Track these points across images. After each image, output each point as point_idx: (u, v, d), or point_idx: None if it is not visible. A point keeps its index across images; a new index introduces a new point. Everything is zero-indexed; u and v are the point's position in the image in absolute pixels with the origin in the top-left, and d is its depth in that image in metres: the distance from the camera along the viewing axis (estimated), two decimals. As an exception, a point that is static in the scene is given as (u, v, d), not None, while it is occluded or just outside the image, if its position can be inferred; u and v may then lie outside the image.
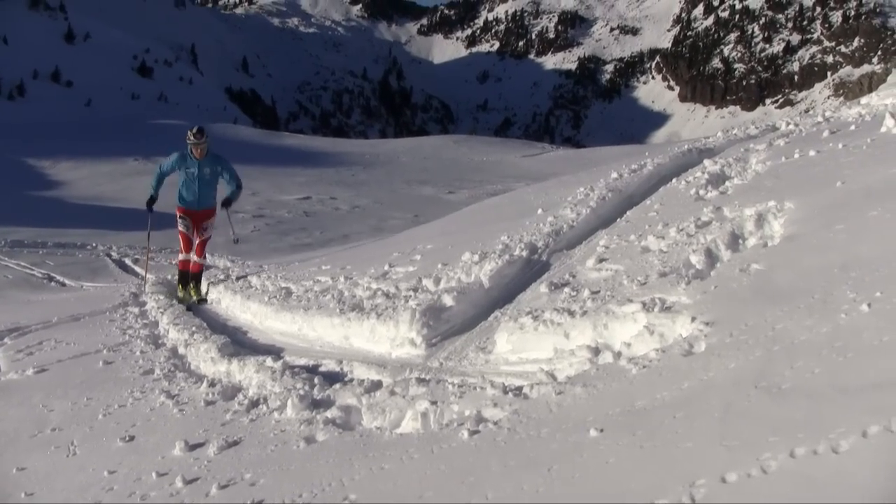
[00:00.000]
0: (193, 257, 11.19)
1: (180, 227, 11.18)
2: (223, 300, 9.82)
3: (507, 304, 6.01)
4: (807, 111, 15.95)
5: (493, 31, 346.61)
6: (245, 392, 5.56)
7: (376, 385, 5.03)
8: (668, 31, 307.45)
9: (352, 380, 5.43)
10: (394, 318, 6.04)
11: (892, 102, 10.17)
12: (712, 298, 4.43)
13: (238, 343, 7.29)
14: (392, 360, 5.71)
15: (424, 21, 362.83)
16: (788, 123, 11.38)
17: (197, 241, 11.22)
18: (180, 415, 5.40)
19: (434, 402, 4.27)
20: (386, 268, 7.85)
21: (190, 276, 11.24)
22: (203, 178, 11.01)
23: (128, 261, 18.12)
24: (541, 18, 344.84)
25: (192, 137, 10.76)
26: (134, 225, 20.75)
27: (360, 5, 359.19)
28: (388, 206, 28.49)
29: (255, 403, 5.24)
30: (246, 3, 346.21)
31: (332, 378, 5.56)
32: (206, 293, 11.06)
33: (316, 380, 5.40)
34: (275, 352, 6.66)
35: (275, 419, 4.86)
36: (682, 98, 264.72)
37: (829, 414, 2.78)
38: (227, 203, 11.44)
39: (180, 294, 11.25)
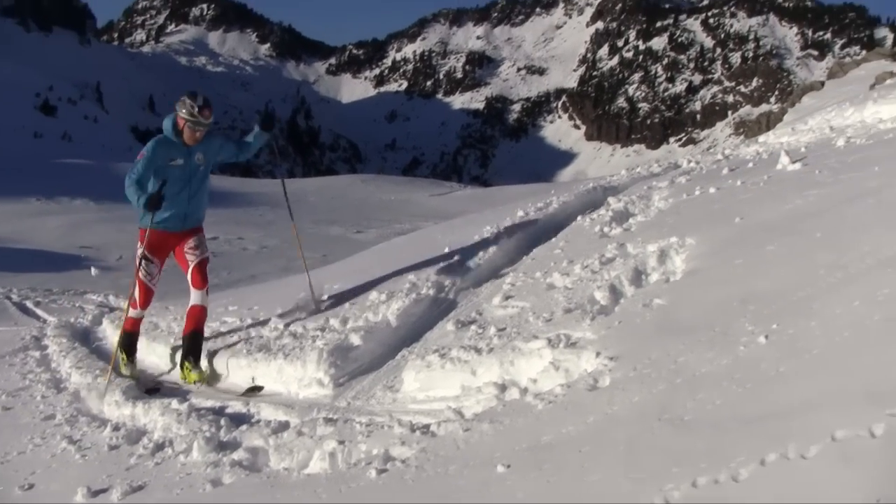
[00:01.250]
0: (197, 301, 7.27)
1: (141, 273, 7.27)
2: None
3: (414, 343, 6.05)
4: (708, 149, 16.47)
5: (402, 70, 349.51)
6: (150, 435, 5.50)
7: (283, 426, 5.04)
8: (574, 71, 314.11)
9: (259, 421, 5.40)
10: (301, 359, 6.03)
11: (787, 141, 10.58)
12: (616, 333, 4.54)
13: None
14: (300, 401, 5.70)
15: (333, 60, 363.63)
16: (690, 161, 11.74)
17: (192, 270, 7.29)
18: (83, 460, 5.30)
19: (342, 442, 4.29)
20: (293, 307, 7.81)
21: (189, 342, 7.16)
22: (195, 173, 7.25)
23: (29, 303, 17.58)
24: (449, 58, 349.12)
25: (193, 111, 6.98)
26: (35, 266, 20.17)
27: (269, 44, 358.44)
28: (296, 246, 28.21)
29: (160, 447, 5.19)
30: (153, 42, 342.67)
31: (239, 419, 5.52)
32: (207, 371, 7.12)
33: (222, 421, 5.37)
34: (180, 394, 6.56)
35: (181, 462, 4.81)
36: (589, 137, 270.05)
37: (729, 443, 2.89)
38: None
39: (126, 371, 7.47)
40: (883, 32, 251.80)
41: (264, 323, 7.54)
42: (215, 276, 22.64)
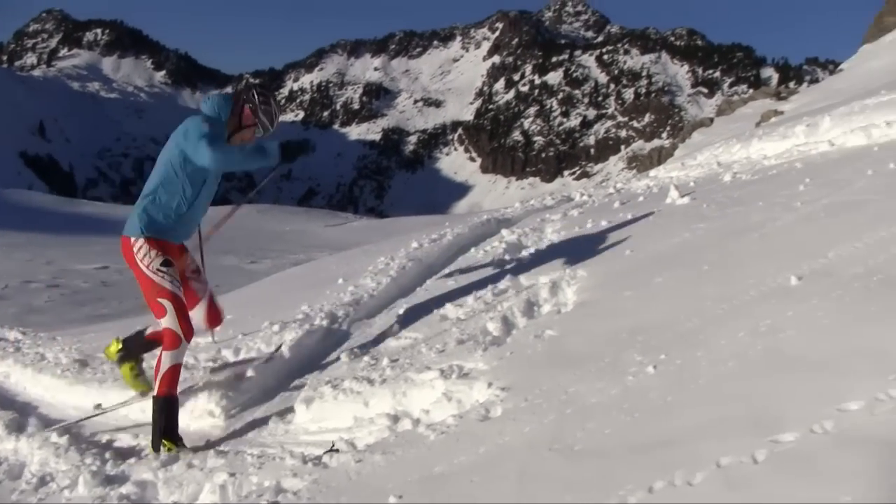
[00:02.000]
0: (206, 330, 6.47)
1: (168, 285, 5.52)
2: (12, 374, 9.28)
3: (307, 374, 6.01)
4: (601, 183, 16.85)
5: (299, 100, 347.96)
6: (33, 470, 5.31)
7: (173, 459, 4.94)
8: (471, 104, 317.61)
9: (147, 454, 5.27)
10: (192, 390, 5.93)
11: (676, 175, 10.88)
12: (508, 364, 4.59)
13: (28, 419, 6.91)
14: (191, 433, 5.59)
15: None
16: (583, 194, 11.98)
17: (208, 306, 6.12)
18: (-40, 499, 5.10)
19: (233, 474, 4.25)
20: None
21: (144, 341, 6.24)
22: (219, 177, 6.01)
23: None
24: (346, 89, 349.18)
25: (272, 117, 6.09)
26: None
27: (164, 71, 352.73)
28: (189, 277, 27.80)
29: (44, 482, 5.03)
30: (44, 65, 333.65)
31: (128, 453, 5.40)
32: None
33: (109, 454, 5.24)
34: (66, 427, 6.36)
35: (65, 497, 4.68)
36: (484, 169, 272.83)
37: (618, 472, 2.95)
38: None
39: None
40: (769, 72, 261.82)
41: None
42: (105, 305, 22.13)
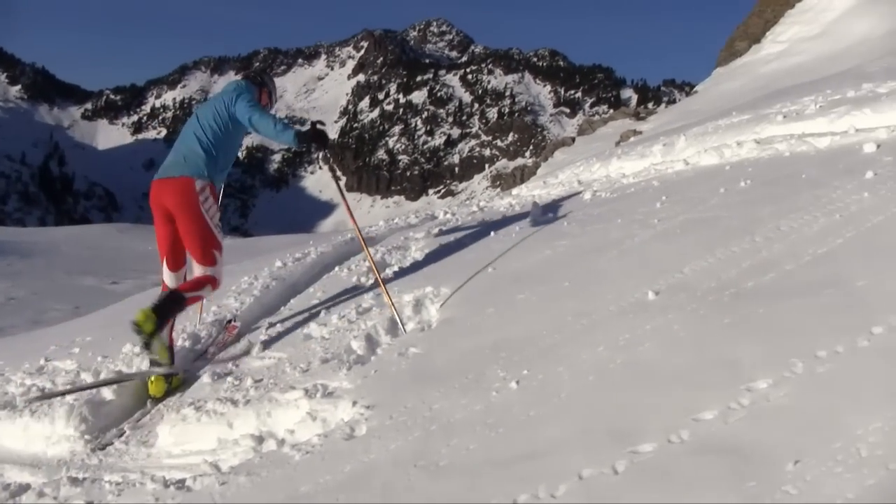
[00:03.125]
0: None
1: (221, 237, 6.50)
2: None
3: (169, 396, 5.87)
4: (466, 201, 17.02)
5: (161, 117, 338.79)
6: None
7: (24, 488, 4.74)
8: (336, 122, 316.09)
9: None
10: (49, 415, 5.69)
11: (538, 193, 11.08)
12: (373, 383, 4.60)
13: None
14: (47, 460, 5.37)
15: (89, 105, 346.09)
16: (447, 213, 12.07)
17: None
18: None
19: (90, 503, 4.10)
20: (42, 362, 7.39)
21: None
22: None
23: None
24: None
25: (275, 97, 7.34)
26: None
27: (20, 86, 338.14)
28: (47, 297, 26.75)
29: None
30: None
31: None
32: None
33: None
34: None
35: None
36: (349, 188, 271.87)
37: (483, 487, 2.99)
38: None
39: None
40: (628, 93, 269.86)
41: (9, 379, 7.10)
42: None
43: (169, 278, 6.46)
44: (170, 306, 5.98)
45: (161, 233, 6.47)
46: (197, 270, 6.31)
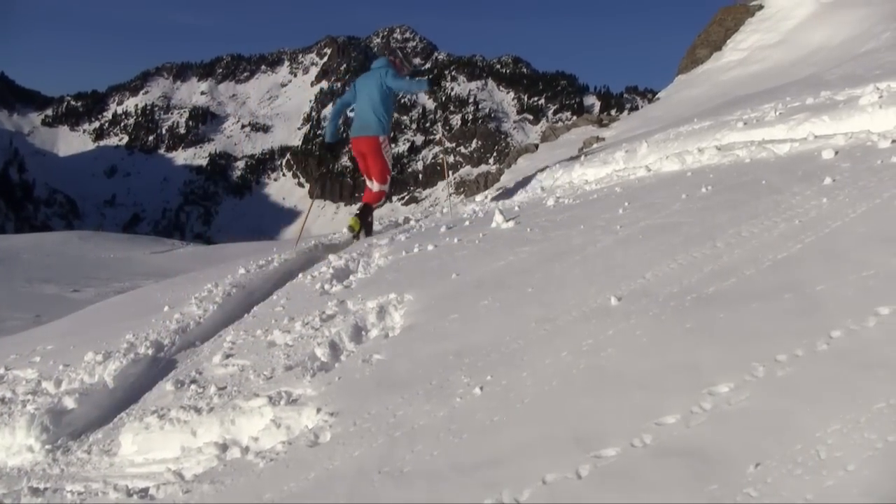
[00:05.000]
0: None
1: (391, 166, 11.49)
2: None
3: (132, 405, 5.81)
4: (429, 207, 17.04)
5: (123, 124, 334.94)
6: None
7: (-13, 498, 4.68)
8: (299, 129, 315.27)
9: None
10: (9, 425, 5.62)
11: (501, 200, 11.12)
12: (337, 389, 4.59)
13: None
14: (7, 470, 5.31)
15: (50, 112, 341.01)
16: (410, 219, 12.07)
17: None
18: None
19: (50, 513, 4.07)
20: (2, 371, 7.31)
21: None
22: None
23: None
24: (172, 113, 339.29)
25: (404, 60, 12.98)
26: None
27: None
28: (6, 306, 26.38)
29: None
30: None
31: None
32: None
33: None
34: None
35: None
36: (312, 195, 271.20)
37: (447, 492, 3.00)
38: None
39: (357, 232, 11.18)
40: (591, 100, 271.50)
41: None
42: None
43: (371, 184, 11.42)
44: (365, 212, 11.23)
45: (361, 166, 11.52)
46: (375, 188, 11.31)
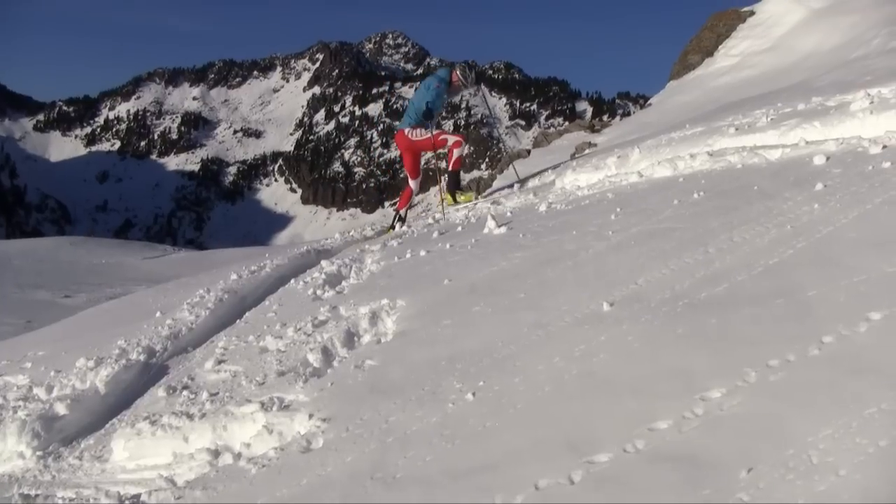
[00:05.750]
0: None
1: (446, 136, 12.76)
2: None
3: (124, 411, 5.80)
4: (422, 213, 17.04)
5: (115, 129, 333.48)
6: None
7: (-18, 506, 4.66)
8: (291, 134, 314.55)
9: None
10: (0, 431, 5.62)
11: (494, 205, 11.12)
12: (329, 395, 4.59)
13: None
14: (-2, 477, 5.30)
15: (41, 117, 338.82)
16: (402, 225, 12.08)
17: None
18: None
19: (42, 519, 4.06)
20: None
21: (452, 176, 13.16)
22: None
23: None
24: (164, 119, 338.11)
25: (462, 76, 12.75)
26: None
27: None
28: (-2, 311, 26.34)
29: None
30: None
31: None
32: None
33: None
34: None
35: None
36: (305, 200, 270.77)
37: (439, 498, 3.00)
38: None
39: (467, 196, 13.16)
40: (583, 106, 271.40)
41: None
42: None
43: (413, 183, 13.24)
44: (452, 179, 13.06)
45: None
46: (412, 184, 13.25)
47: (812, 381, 3.08)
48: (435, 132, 12.45)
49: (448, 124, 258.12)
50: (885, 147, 6.41)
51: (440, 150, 12.84)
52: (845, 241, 4.54)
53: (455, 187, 13.04)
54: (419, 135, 12.51)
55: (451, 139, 12.56)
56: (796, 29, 22.27)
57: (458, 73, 12.65)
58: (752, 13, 25.57)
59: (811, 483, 2.46)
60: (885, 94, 7.85)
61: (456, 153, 12.72)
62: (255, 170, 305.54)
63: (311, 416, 4.34)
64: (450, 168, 12.92)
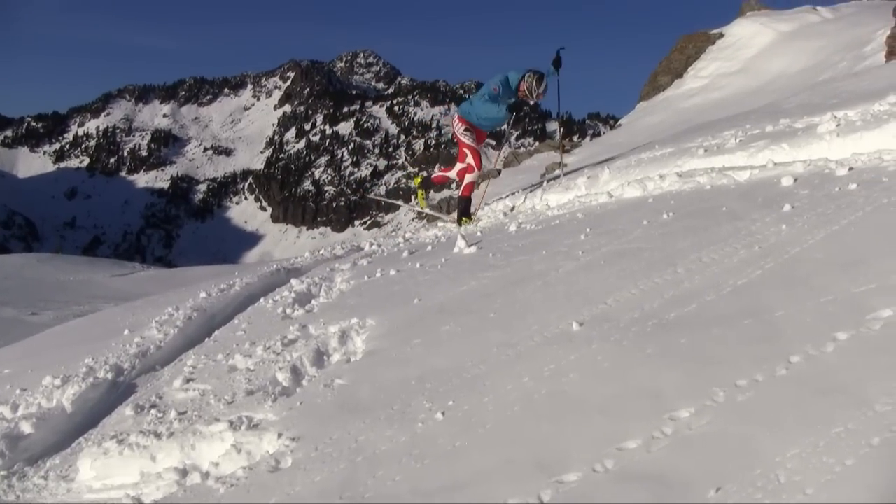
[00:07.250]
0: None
1: (467, 140, 11.71)
2: None
3: (91, 430, 5.74)
4: (392, 232, 17.05)
5: (84, 146, 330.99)
6: None
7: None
8: (262, 152, 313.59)
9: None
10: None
11: (464, 225, 11.15)
12: (298, 414, 4.57)
13: None
14: (-41, 498, 5.23)
15: (9, 132, 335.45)
16: (372, 244, 12.07)
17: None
18: None
19: (6, 540, 4.01)
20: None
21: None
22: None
23: None
24: (133, 135, 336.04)
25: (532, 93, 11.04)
26: None
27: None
28: (-36, 329, 26.02)
29: None
30: None
31: None
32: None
33: None
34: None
35: None
36: (275, 219, 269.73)
37: (408, 519, 2.99)
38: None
39: (471, 223, 11.14)
40: (553, 126, 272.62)
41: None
42: None
43: (470, 175, 11.76)
44: (461, 205, 11.71)
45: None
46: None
47: (780, 400, 3.11)
48: (466, 141, 11.57)
49: (419, 143, 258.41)
50: (851, 169, 6.48)
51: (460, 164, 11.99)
52: (813, 261, 4.59)
53: (463, 214, 11.59)
54: (460, 130, 11.65)
55: (467, 160, 11.63)
56: (765, 52, 22.56)
57: (525, 84, 10.97)
58: (721, 35, 25.86)
59: (779, 502, 2.48)
60: (851, 117, 7.95)
61: (467, 178, 11.62)
62: (225, 188, 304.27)
63: (279, 435, 4.32)
64: (460, 194, 11.80)
